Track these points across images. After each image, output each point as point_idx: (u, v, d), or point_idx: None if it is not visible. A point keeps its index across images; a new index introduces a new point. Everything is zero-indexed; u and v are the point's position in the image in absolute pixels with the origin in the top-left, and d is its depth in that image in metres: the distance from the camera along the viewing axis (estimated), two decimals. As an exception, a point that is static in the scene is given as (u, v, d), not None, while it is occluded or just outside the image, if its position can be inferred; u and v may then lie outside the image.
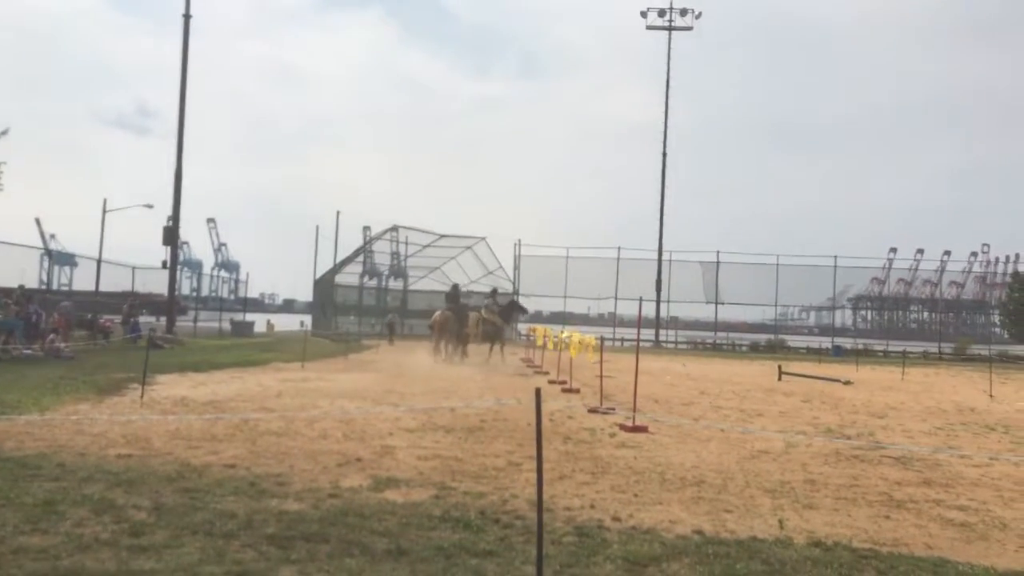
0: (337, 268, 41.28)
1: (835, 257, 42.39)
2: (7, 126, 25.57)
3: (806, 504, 6.08)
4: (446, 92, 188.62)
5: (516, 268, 42.61)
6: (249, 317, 40.68)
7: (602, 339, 14.90)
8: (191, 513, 5.02)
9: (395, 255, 46.30)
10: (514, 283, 41.73)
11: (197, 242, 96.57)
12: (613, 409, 11.32)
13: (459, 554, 4.41)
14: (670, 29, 45.22)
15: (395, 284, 48.39)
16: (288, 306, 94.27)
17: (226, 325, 36.65)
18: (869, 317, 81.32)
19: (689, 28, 45.31)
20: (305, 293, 53.12)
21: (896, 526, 5.55)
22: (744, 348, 41.36)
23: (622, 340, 37.55)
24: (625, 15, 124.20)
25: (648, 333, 41.03)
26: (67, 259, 37.12)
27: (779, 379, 19.36)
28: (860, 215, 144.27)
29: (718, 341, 43.00)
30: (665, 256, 43.45)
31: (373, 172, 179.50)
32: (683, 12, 45.04)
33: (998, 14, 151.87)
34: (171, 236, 30.37)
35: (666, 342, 42.89)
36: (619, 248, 42.71)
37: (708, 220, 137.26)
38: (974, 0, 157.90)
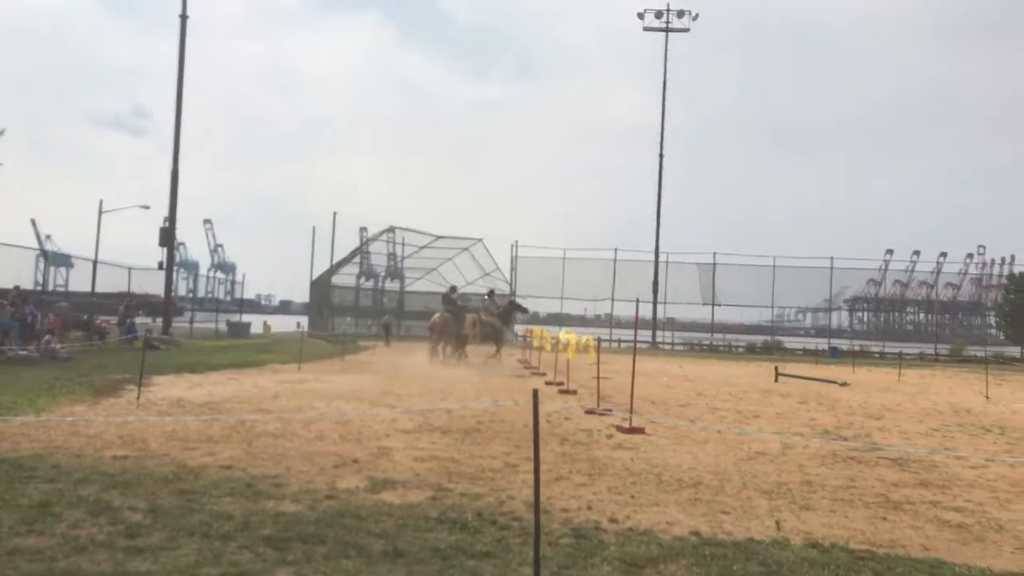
0: (334, 269, 41.20)
1: (831, 259, 42.53)
2: (4, 126, 25.53)
3: (803, 505, 6.09)
4: (444, 94, 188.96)
5: (513, 269, 42.67)
6: (245, 318, 40.66)
7: (599, 340, 14.89)
8: (187, 514, 5.01)
9: (392, 256, 46.29)
10: (511, 284, 41.74)
11: (193, 243, 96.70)
12: (610, 410, 11.33)
13: (456, 555, 4.41)
14: (667, 31, 45.34)
15: (392, 285, 48.37)
16: (284, 307, 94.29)
17: (222, 326, 36.63)
18: (865, 319, 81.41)
19: (686, 30, 45.46)
20: (302, 294, 53.18)
21: (893, 527, 5.56)
22: (741, 349, 41.42)
23: (619, 341, 37.57)
24: (622, 17, 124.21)
25: (645, 334, 41.07)
26: (63, 260, 36.99)
27: (776, 380, 19.38)
28: (858, 216, 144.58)
29: (715, 342, 43.07)
30: (662, 257, 43.57)
31: (371, 174, 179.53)
32: (680, 14, 45.18)
33: (998, 14, 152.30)
34: (167, 237, 30.35)
35: (663, 343, 42.94)
36: (616, 249, 42.86)
37: (705, 222, 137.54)
38: (974, 0, 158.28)
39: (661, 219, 44.33)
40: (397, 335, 37.93)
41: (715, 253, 42.86)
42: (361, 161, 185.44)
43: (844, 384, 18.70)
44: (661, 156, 45.17)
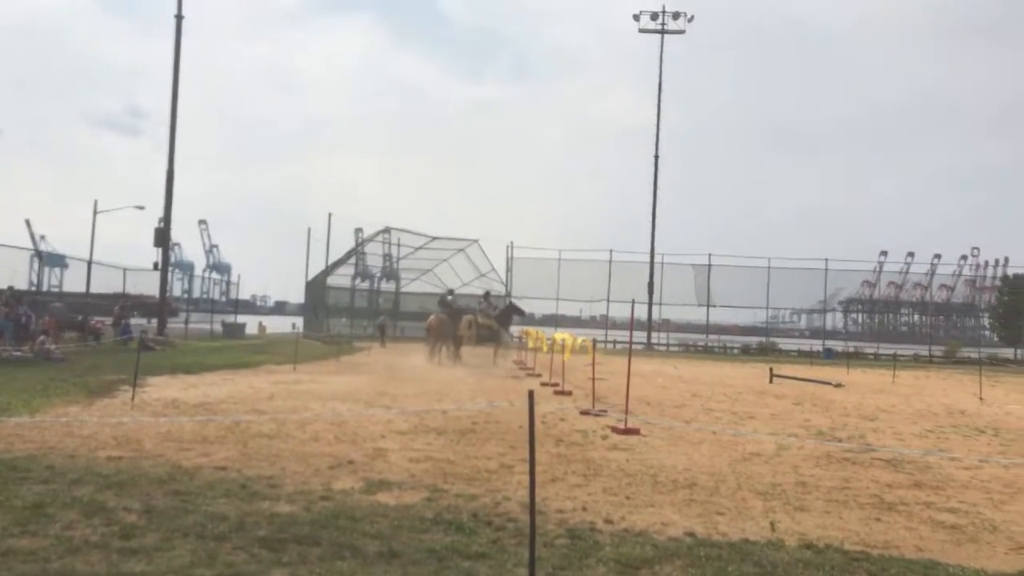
0: (329, 270, 41.18)
1: (826, 260, 42.57)
2: (1, 126, 25.50)
3: (798, 506, 6.10)
4: (440, 95, 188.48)
5: (509, 270, 42.66)
6: (241, 319, 40.59)
7: (595, 341, 14.91)
8: (182, 515, 5.00)
9: (387, 257, 46.25)
10: (506, 285, 41.73)
11: (189, 244, 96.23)
12: (605, 411, 11.34)
13: (451, 556, 4.41)
14: (662, 32, 45.39)
15: (387, 286, 48.36)
16: (280, 308, 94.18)
17: (217, 327, 36.54)
18: (860, 320, 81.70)
19: (682, 31, 45.53)
20: (297, 295, 53.19)
21: (887, 528, 5.57)
22: (735, 351, 41.46)
23: (614, 342, 37.58)
24: (618, 18, 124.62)
25: (640, 335, 41.12)
26: (57, 260, 36.90)
27: (770, 382, 19.42)
28: (857, 217, 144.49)
29: (710, 344, 43.13)
30: (657, 259, 43.60)
31: (367, 174, 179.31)
32: (675, 15, 45.25)
33: (998, 14, 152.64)
34: (162, 237, 30.30)
35: (658, 344, 42.99)
36: (611, 251, 42.87)
37: (700, 223, 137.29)
38: (974, 0, 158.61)
39: (657, 220, 44.41)
40: (392, 336, 37.90)
41: (710, 254, 42.99)
42: (357, 162, 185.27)
43: (839, 385, 18.74)
44: (656, 157, 45.25)
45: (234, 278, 53.98)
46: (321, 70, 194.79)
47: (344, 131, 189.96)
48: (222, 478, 6.17)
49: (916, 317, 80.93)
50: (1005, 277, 57.46)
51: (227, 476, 6.25)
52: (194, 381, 13.96)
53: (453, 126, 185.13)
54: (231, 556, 4.28)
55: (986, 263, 78.31)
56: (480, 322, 22.02)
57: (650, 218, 44.46)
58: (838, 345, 43.17)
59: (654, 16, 45.35)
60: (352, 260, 43.34)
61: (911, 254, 70.16)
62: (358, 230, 46.60)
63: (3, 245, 22.09)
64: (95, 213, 32.85)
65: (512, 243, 42.94)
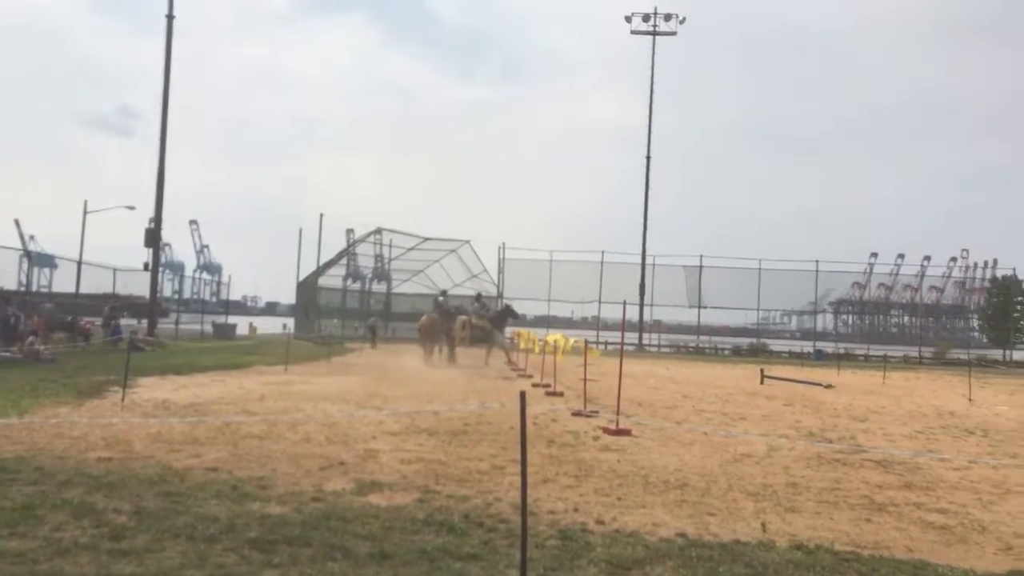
0: (320, 271, 41.03)
1: (816, 262, 42.79)
2: None
3: (788, 507, 6.12)
4: (431, 96, 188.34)
5: (500, 271, 42.66)
6: (231, 320, 40.49)
7: (587, 342, 14.93)
8: (172, 517, 4.98)
9: (379, 258, 46.16)
10: (498, 286, 41.73)
11: (179, 244, 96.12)
12: (597, 412, 11.35)
13: (442, 558, 4.40)
14: (654, 34, 45.56)
15: (378, 287, 48.26)
16: (271, 309, 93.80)
17: (208, 327, 36.42)
18: (850, 321, 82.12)
19: (673, 33, 45.75)
20: (288, 296, 52.96)
21: (877, 529, 5.60)
22: (726, 352, 41.57)
23: (605, 343, 37.64)
24: (610, 19, 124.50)
25: (631, 337, 41.18)
26: (47, 260, 36.67)
27: (761, 383, 19.47)
28: (856, 218, 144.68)
29: (701, 345, 43.24)
30: (649, 260, 43.75)
31: (358, 175, 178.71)
32: (667, 17, 45.46)
33: (998, 14, 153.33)
34: (153, 238, 30.19)
35: (649, 346, 43.10)
36: (603, 252, 42.97)
37: (692, 225, 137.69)
38: (974, 0, 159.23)
39: (649, 222, 44.60)
40: (384, 337, 37.83)
41: (701, 256, 43.16)
42: (348, 162, 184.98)
43: (829, 386, 18.81)
44: (648, 158, 45.45)
45: (225, 279, 53.96)
46: (312, 71, 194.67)
47: (335, 131, 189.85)
48: (213, 479, 6.14)
49: (906, 318, 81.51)
50: (994, 279, 57.72)
51: (218, 477, 6.23)
52: (184, 382, 13.91)
53: (444, 127, 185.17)
54: (222, 557, 4.27)
55: (975, 265, 78.93)
56: (474, 323, 22.04)
57: (642, 219, 44.63)
58: (828, 346, 43.34)
59: (646, 18, 45.54)
60: (343, 261, 43.24)
61: (901, 256, 70.68)
62: (349, 231, 46.46)
63: (-8, 245, 21.99)
64: (85, 213, 32.67)
65: (504, 244, 43.02)
